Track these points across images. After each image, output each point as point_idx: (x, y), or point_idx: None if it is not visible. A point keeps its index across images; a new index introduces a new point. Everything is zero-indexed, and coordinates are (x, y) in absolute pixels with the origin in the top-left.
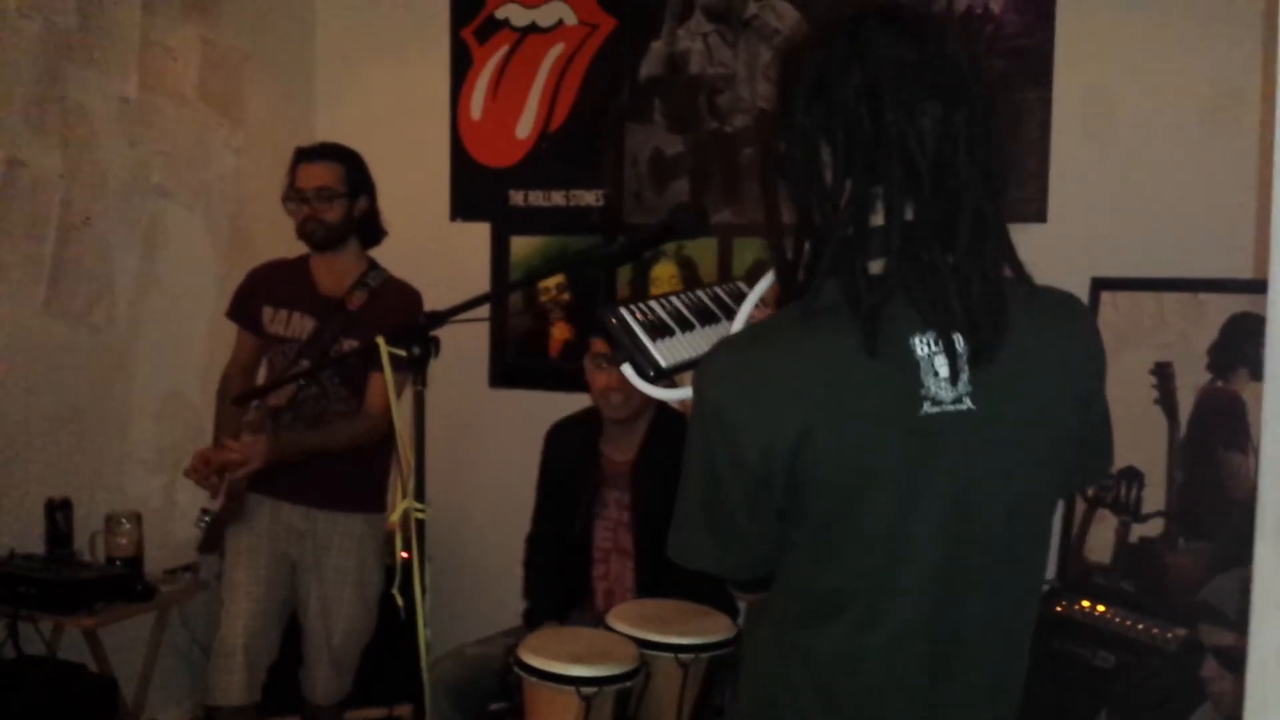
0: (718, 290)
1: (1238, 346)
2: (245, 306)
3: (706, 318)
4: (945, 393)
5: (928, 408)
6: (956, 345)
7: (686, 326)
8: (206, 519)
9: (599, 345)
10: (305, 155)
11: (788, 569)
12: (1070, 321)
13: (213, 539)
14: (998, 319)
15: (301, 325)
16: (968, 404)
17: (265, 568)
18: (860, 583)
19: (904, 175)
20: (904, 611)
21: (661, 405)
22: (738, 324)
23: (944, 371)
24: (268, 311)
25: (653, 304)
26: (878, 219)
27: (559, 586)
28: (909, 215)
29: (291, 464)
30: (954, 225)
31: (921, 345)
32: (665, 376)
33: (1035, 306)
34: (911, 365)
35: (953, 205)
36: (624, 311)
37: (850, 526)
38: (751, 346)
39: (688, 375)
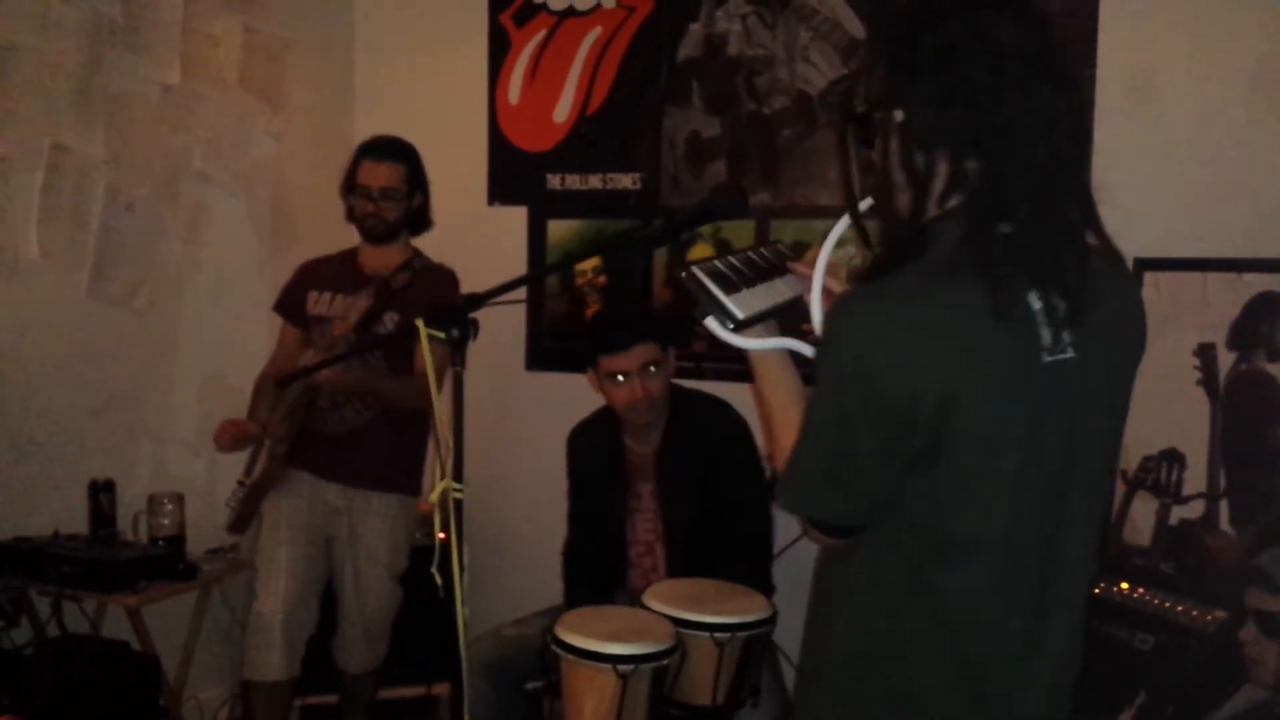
0: (762, 251)
1: (1254, 327)
2: (291, 298)
3: (760, 274)
4: (1057, 343)
5: (1045, 357)
6: (1057, 302)
7: (747, 282)
8: (241, 493)
9: (610, 363)
10: (371, 152)
11: (910, 510)
12: (1130, 279)
13: (244, 517)
14: (1087, 283)
15: (343, 305)
16: (1070, 353)
17: (305, 543)
18: (992, 531)
19: (1019, 150)
20: (1025, 555)
21: (677, 394)
22: (816, 281)
23: (1053, 322)
24: (312, 296)
25: (715, 262)
26: (991, 189)
27: (601, 593)
28: (1024, 187)
29: (338, 408)
30: (1057, 200)
31: (1036, 299)
32: (742, 329)
33: (1110, 265)
34: (1030, 318)
35: (1057, 181)
36: (696, 269)
37: (985, 475)
38: (894, 299)
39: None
